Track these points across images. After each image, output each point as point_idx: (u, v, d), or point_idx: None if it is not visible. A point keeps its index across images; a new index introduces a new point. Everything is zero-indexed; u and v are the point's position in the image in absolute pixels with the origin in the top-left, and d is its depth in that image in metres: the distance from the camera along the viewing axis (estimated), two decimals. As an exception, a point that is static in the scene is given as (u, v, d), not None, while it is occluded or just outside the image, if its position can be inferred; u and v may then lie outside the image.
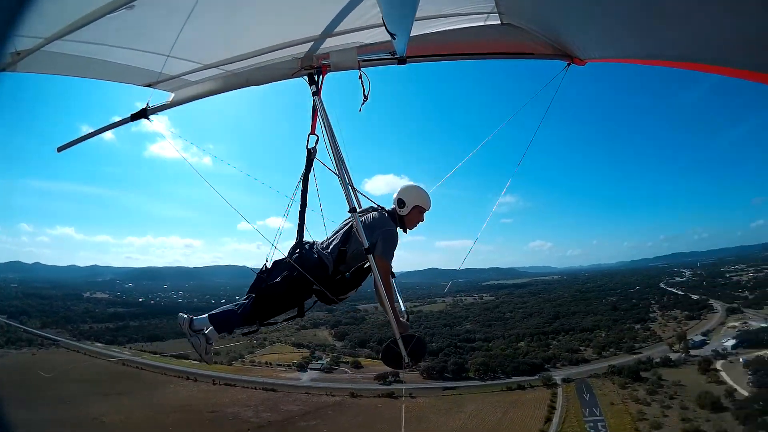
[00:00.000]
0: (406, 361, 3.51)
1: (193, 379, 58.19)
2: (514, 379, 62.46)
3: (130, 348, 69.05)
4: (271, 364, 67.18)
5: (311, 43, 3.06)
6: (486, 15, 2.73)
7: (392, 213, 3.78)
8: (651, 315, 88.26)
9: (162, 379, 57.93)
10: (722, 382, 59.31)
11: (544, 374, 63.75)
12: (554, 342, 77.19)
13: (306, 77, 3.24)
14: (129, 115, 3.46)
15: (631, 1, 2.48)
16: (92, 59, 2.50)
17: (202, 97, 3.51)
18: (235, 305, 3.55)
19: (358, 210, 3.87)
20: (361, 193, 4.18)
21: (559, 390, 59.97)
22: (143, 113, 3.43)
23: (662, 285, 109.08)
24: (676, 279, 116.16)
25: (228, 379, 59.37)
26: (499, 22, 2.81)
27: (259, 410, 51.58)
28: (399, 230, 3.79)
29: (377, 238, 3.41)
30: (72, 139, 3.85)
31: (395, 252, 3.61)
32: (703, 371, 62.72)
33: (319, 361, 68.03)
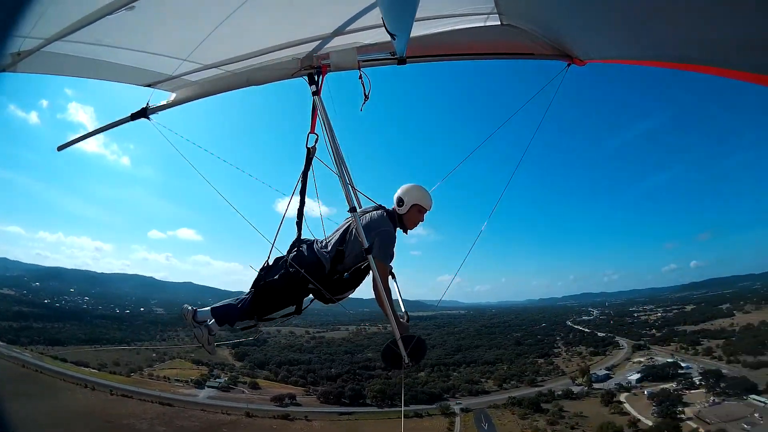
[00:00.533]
0: (406, 361, 3.52)
1: (90, 388, 57.22)
2: (412, 407, 62.71)
3: (32, 350, 67.58)
4: (169, 378, 66.52)
5: (311, 44, 3.06)
6: (486, 16, 2.74)
7: (392, 213, 3.76)
8: (555, 350, 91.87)
9: (60, 385, 56.62)
10: (626, 413, 62.25)
11: (443, 403, 64.28)
12: (455, 373, 78.40)
13: (306, 77, 3.26)
14: (129, 115, 3.46)
15: (631, 2, 2.48)
16: (92, 60, 2.50)
17: (202, 97, 3.51)
18: (236, 300, 3.64)
19: (359, 209, 3.89)
20: (362, 193, 4.21)
21: (457, 419, 60.86)
22: (143, 113, 3.44)
23: (569, 323, 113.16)
24: (584, 317, 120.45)
25: (125, 390, 58.66)
26: (499, 23, 2.81)
27: (154, 423, 51.41)
28: (399, 231, 3.78)
29: (373, 239, 3.40)
30: (72, 138, 3.87)
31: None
32: (606, 403, 65.49)
33: (217, 380, 67.43)
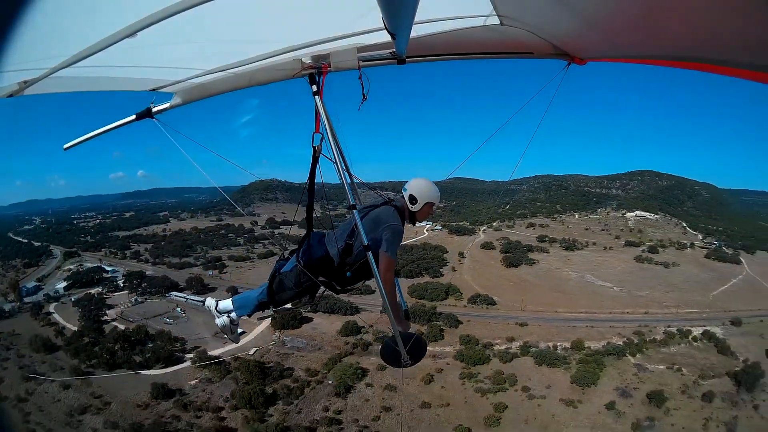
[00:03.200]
0: (405, 359, 3.55)
1: None
2: None
3: None
4: None
5: (312, 45, 3.09)
6: (485, 16, 2.74)
7: (401, 208, 3.84)
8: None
9: None
10: (54, 323, 63.20)
11: None
12: None
13: (307, 77, 3.29)
14: (134, 115, 3.52)
15: (631, 1, 2.47)
16: (97, 78, 2.57)
17: (206, 97, 3.56)
18: (256, 290, 3.88)
19: (366, 204, 3.99)
20: (369, 186, 4.26)
21: None
22: (148, 113, 3.49)
23: (10, 234, 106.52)
24: (26, 227, 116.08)
25: None
26: (499, 23, 2.81)
27: None
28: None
29: (381, 234, 3.47)
30: (77, 139, 3.95)
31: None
32: (35, 316, 65.65)
33: None
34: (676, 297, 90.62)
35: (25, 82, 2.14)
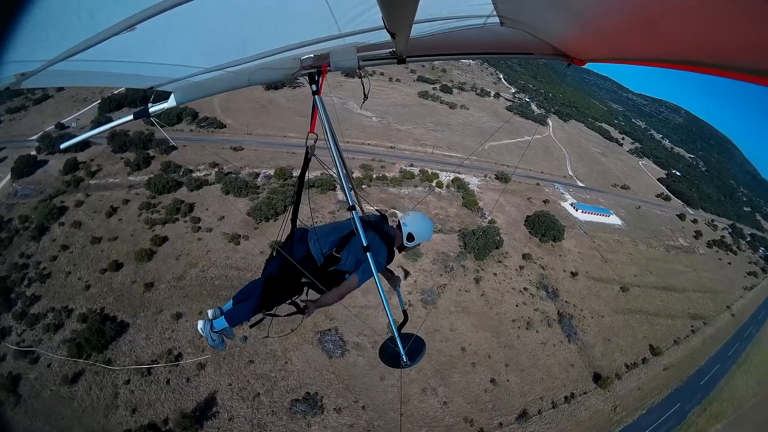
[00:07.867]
0: (404, 359, 3.54)
1: None
2: None
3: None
4: None
5: (312, 44, 3.07)
6: (485, 17, 2.74)
7: (390, 234, 3.85)
8: None
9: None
10: None
11: None
12: None
13: (306, 77, 3.27)
14: (131, 115, 3.49)
15: (631, 2, 2.46)
16: (95, 72, 2.54)
17: (203, 97, 3.53)
18: (248, 298, 3.72)
19: (362, 214, 3.95)
20: (363, 199, 4.24)
21: None
22: (146, 112, 3.46)
23: None
24: None
25: None
26: (499, 24, 2.81)
27: None
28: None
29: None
30: (75, 139, 3.92)
31: None
32: None
33: None
34: (444, 137, 76.64)
35: (22, 75, 2.12)
